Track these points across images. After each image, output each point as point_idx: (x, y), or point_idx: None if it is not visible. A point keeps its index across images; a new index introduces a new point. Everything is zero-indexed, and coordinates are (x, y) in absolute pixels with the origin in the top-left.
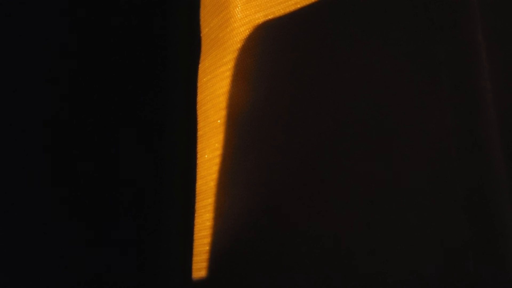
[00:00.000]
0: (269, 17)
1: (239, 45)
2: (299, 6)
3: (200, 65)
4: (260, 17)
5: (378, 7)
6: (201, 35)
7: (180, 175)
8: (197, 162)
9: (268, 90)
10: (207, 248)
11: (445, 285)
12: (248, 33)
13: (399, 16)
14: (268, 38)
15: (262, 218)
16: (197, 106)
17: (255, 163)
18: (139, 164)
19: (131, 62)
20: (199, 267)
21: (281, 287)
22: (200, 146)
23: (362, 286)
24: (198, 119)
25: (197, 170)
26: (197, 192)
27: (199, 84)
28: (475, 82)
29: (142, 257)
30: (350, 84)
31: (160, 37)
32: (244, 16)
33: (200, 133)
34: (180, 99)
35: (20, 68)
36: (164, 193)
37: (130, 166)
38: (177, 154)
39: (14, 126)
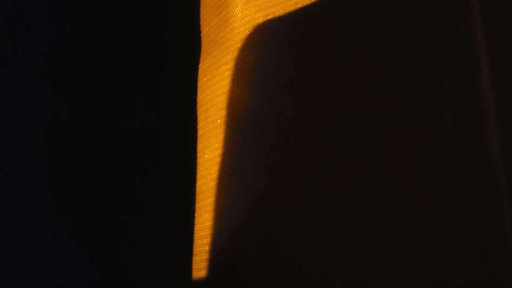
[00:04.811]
0: (269, 17)
1: (239, 45)
2: (299, 6)
3: (200, 65)
4: (260, 17)
5: (378, 7)
6: (201, 34)
7: (180, 175)
8: (197, 162)
9: (268, 90)
10: (207, 248)
11: (446, 285)
12: (248, 33)
13: (399, 16)
14: (268, 38)
15: (262, 218)
16: (197, 106)
17: (255, 163)
18: (138, 164)
19: (131, 62)
20: (199, 267)
21: (281, 287)
22: (200, 146)
23: (362, 286)
24: (198, 119)
25: (197, 170)
26: (197, 192)
27: (199, 84)
28: (475, 82)
29: (142, 257)
30: (349, 84)
31: (160, 37)
32: (244, 16)
33: (200, 133)
34: (180, 99)
35: (19, 68)
36: (164, 193)
37: (130, 166)
38: (177, 154)
39: (13, 127)
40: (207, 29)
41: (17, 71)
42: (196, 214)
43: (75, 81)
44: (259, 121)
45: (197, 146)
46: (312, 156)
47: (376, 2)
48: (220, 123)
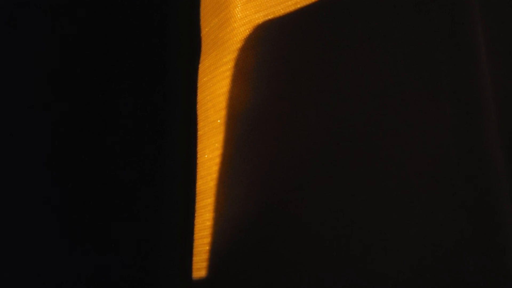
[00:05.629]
0: (269, 17)
1: (239, 45)
2: (299, 6)
3: (200, 65)
4: (260, 17)
5: (378, 8)
6: (201, 35)
7: (180, 175)
8: (197, 162)
9: (268, 90)
10: (207, 248)
11: (445, 285)
12: (248, 33)
13: (399, 17)
14: (268, 38)
15: (262, 218)
16: (197, 106)
17: (255, 163)
18: (139, 164)
19: (131, 62)
20: (199, 267)
21: (281, 287)
22: (200, 146)
23: (362, 285)
24: (198, 119)
25: (197, 170)
26: (197, 192)
27: (199, 84)
28: (475, 82)
29: (142, 257)
30: (350, 84)
31: (160, 37)
32: (244, 16)
33: (200, 133)
34: (180, 99)
35: (19, 67)
36: (164, 193)
37: (130, 165)
38: (177, 154)
39: (13, 126)
40: (207, 29)
41: (18, 71)
42: (196, 214)
43: (75, 81)
44: (259, 121)
45: (197, 146)
46: (312, 156)
47: (376, 2)
48: (220, 123)
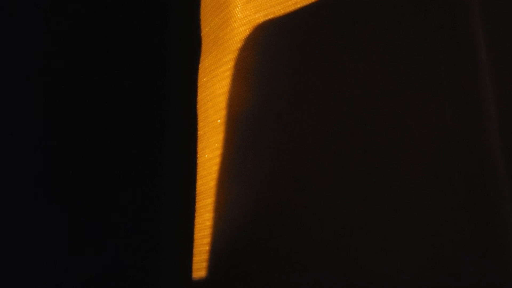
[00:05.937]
0: (269, 17)
1: (239, 45)
2: (299, 6)
3: (200, 65)
4: (260, 17)
5: (378, 8)
6: (201, 34)
7: (180, 175)
8: (197, 162)
9: (268, 90)
10: (207, 248)
11: (445, 285)
12: (248, 33)
13: (399, 16)
14: (268, 38)
15: (262, 218)
16: (197, 106)
17: (255, 163)
18: (139, 164)
19: (131, 62)
20: (199, 267)
21: (281, 287)
22: (200, 146)
23: (362, 285)
24: (198, 119)
25: (197, 170)
26: (197, 192)
27: (199, 84)
28: (475, 82)
29: (142, 257)
30: (350, 83)
31: (160, 36)
32: (244, 16)
33: (200, 133)
34: (180, 99)
35: (18, 66)
36: (164, 193)
37: (130, 165)
38: (177, 154)
39: (12, 126)
40: (207, 29)
41: (18, 70)
42: (196, 214)
43: (74, 80)
44: (259, 121)
45: (197, 146)
46: (312, 156)
47: (376, 2)
48: (220, 123)
